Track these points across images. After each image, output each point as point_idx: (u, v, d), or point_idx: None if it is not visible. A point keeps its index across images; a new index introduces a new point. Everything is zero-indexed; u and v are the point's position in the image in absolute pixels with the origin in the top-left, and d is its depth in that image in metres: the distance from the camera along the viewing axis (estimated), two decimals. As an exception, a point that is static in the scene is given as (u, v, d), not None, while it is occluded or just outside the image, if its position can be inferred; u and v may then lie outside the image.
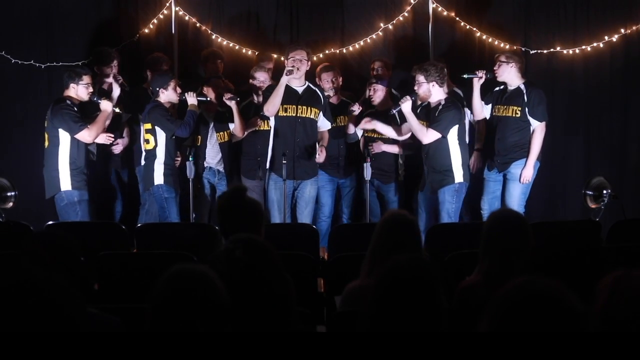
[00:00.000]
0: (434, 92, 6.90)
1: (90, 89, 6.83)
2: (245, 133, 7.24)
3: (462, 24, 8.22)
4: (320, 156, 6.91)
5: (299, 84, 7.00)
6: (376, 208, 7.48)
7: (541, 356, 1.91)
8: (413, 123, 6.85)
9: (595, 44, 8.21)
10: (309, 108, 6.98)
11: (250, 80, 7.43)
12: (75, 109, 6.73)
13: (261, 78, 7.36)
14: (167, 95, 6.94)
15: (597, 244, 5.67)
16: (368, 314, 2.55)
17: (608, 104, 8.36)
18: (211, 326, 2.22)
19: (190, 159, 6.87)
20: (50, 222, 6.12)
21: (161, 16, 8.14)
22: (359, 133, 7.39)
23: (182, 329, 2.19)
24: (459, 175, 6.85)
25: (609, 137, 8.38)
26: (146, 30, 8.15)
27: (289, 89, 6.91)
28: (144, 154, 7.03)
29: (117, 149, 7.41)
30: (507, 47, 8.02)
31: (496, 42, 8.15)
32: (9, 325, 1.90)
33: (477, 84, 7.14)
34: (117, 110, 7.02)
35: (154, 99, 6.99)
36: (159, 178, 6.86)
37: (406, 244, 3.54)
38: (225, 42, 8.16)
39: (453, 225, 6.56)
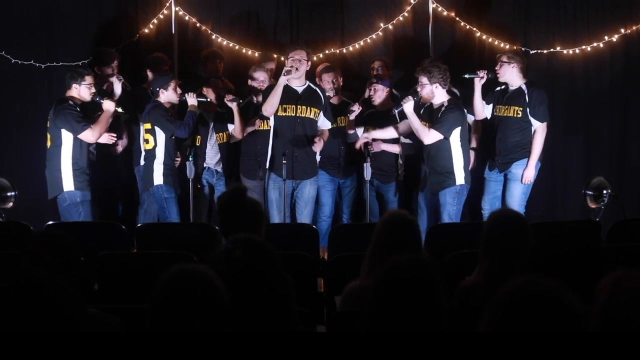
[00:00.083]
0: (437, 94, 6.88)
1: (93, 89, 6.82)
2: (245, 134, 7.24)
3: (462, 24, 8.21)
4: (317, 145, 6.88)
5: (299, 84, 6.99)
6: (376, 208, 7.47)
7: (541, 356, 1.91)
8: (415, 123, 6.83)
9: (595, 44, 8.21)
10: (308, 108, 6.97)
11: (249, 81, 7.42)
12: (78, 109, 6.73)
13: (260, 78, 7.36)
14: (167, 96, 6.94)
15: (597, 244, 5.65)
16: (368, 314, 2.55)
17: (608, 104, 8.36)
18: (211, 326, 2.22)
19: (190, 159, 6.87)
20: (50, 222, 6.11)
21: (161, 16, 8.14)
22: (359, 133, 7.38)
23: (182, 329, 2.19)
24: (460, 178, 6.83)
25: (609, 137, 8.37)
26: (146, 30, 8.15)
27: (288, 89, 6.90)
28: (143, 154, 7.03)
29: (117, 149, 7.41)
30: (507, 47, 8.01)
31: (496, 42, 8.15)
32: (9, 325, 1.90)
33: (478, 84, 7.13)
34: (119, 110, 7.02)
35: (154, 99, 6.99)
36: (158, 178, 6.86)
37: (406, 244, 3.54)
38: (225, 42, 8.16)
39: (453, 225, 6.53)
